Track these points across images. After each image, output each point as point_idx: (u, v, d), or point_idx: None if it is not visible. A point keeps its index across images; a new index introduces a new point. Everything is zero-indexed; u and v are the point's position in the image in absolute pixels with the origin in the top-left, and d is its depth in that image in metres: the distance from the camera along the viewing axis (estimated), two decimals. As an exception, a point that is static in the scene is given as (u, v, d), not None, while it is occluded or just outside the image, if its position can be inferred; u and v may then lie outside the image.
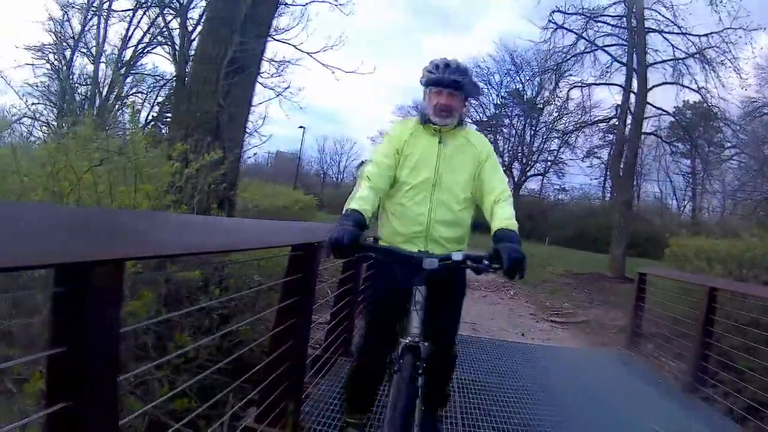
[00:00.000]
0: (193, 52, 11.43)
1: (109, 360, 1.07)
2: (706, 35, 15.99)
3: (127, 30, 19.11)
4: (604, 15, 17.36)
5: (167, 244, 1.33)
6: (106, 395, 1.08)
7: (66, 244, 0.96)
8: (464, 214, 2.36)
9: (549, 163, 32.89)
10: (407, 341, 1.93)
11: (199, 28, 13.86)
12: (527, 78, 28.21)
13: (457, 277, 2.38)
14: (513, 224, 2.13)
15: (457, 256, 1.94)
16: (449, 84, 2.25)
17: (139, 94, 20.90)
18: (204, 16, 8.76)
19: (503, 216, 2.17)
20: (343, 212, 2.08)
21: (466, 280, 2.50)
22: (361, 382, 2.50)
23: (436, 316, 2.16)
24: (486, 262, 1.92)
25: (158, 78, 21.12)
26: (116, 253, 1.06)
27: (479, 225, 2.44)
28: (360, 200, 2.16)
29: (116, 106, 15.65)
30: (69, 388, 1.01)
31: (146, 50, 19.74)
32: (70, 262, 0.96)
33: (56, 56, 18.78)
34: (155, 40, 19.25)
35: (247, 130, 4.41)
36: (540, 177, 33.71)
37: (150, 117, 20.37)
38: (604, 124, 21.89)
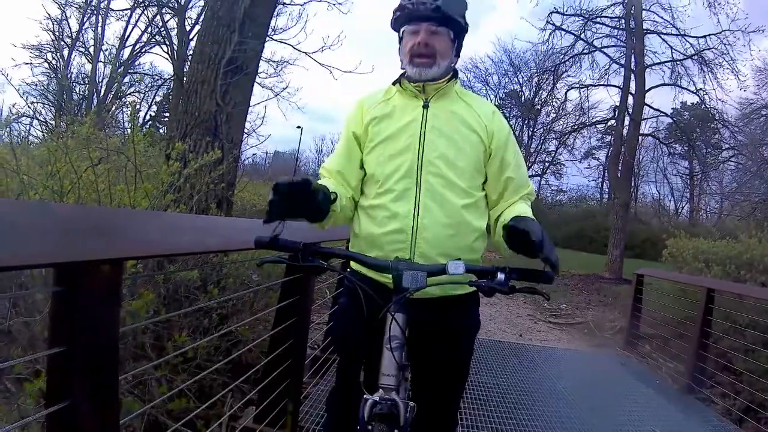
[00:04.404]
0: (191, 52, 11.45)
1: (108, 359, 1.06)
2: (704, 37, 16.05)
3: (125, 29, 19.27)
4: (602, 16, 17.33)
5: (166, 244, 1.32)
6: (106, 395, 1.07)
7: (65, 243, 0.95)
8: (471, 215, 1.54)
9: (547, 164, 32.88)
10: (374, 400, 1.23)
11: (197, 27, 13.91)
12: (525, 79, 28.13)
13: (466, 309, 1.64)
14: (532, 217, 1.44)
15: (456, 268, 1.27)
16: (428, 14, 1.50)
17: (137, 94, 21.05)
18: (202, 16, 8.76)
19: (518, 210, 1.52)
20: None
21: (479, 314, 1.71)
22: None
23: (427, 367, 1.56)
24: (502, 275, 1.27)
25: (156, 77, 21.31)
26: (116, 252, 1.05)
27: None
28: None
29: (114, 106, 15.63)
30: (69, 387, 0.99)
31: (144, 49, 19.91)
32: (69, 262, 0.95)
33: (54, 55, 18.89)
34: (153, 40, 19.34)
35: (246, 130, 4.40)
36: (538, 178, 33.69)
37: (148, 116, 20.51)
38: (602, 125, 21.96)
